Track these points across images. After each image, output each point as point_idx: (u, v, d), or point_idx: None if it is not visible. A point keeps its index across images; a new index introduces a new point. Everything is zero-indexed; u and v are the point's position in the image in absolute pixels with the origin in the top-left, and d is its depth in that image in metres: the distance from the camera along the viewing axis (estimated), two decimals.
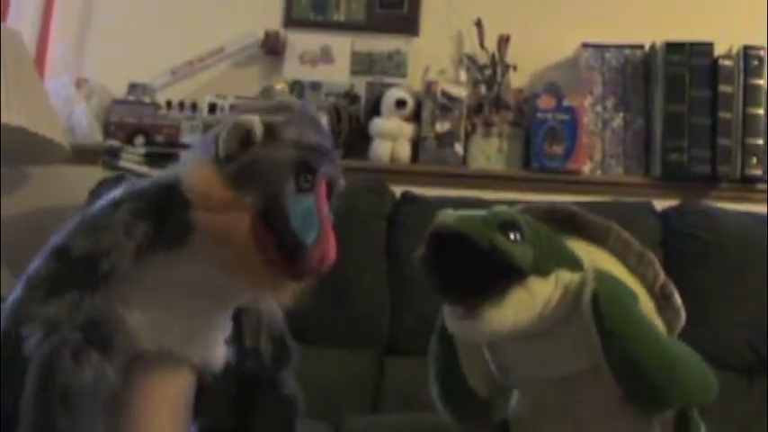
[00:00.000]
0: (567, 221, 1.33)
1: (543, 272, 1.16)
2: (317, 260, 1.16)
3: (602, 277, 1.21)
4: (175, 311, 1.23)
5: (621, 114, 2.66)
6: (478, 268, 1.12)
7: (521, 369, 1.28)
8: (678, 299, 1.35)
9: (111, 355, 1.12)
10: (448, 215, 1.16)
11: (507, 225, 1.15)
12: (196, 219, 1.17)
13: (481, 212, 1.17)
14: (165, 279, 1.23)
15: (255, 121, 1.20)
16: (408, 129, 2.66)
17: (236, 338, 1.36)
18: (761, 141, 2.54)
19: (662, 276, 1.35)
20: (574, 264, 1.20)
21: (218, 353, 1.28)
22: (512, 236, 1.14)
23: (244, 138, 1.20)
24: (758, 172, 2.53)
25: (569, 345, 1.21)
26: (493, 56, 2.70)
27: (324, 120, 1.35)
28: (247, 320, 1.37)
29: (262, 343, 1.37)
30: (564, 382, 1.26)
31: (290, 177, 1.18)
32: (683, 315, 1.35)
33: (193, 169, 1.21)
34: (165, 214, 1.19)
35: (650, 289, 1.32)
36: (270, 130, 1.21)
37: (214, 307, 1.27)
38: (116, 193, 1.23)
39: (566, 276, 1.18)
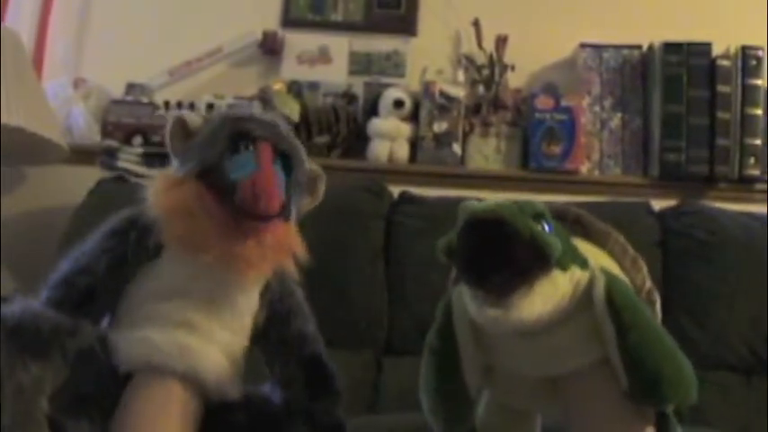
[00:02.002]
0: (572, 222, 1.34)
1: (564, 266, 1.16)
2: (249, 189, 1.19)
3: (610, 275, 1.22)
4: (154, 322, 1.24)
5: (619, 114, 2.66)
6: (507, 257, 1.11)
7: (515, 367, 1.28)
8: (659, 306, 1.36)
9: (43, 356, 1.15)
10: (481, 203, 1.15)
11: (539, 216, 1.16)
12: (154, 211, 1.24)
13: (510, 203, 1.16)
14: (146, 291, 1.26)
15: (190, 114, 1.31)
16: (406, 129, 2.66)
17: (270, 369, 1.37)
18: (759, 141, 2.54)
19: (648, 283, 1.37)
20: (582, 262, 1.21)
21: (212, 366, 1.26)
22: (543, 227, 1.15)
23: (183, 132, 1.30)
24: (756, 172, 2.53)
25: (569, 342, 1.21)
26: (491, 56, 2.70)
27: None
28: (275, 350, 1.37)
29: (291, 372, 1.37)
30: (557, 381, 1.27)
31: (225, 141, 1.25)
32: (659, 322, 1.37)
33: (153, 178, 1.30)
34: (135, 228, 1.27)
35: (638, 293, 1.33)
36: (205, 121, 1.31)
37: (199, 315, 1.27)
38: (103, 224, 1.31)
39: (577, 273, 1.18)
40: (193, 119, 1.30)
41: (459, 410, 1.30)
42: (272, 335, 1.37)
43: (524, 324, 1.14)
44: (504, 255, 1.11)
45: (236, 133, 1.26)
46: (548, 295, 1.15)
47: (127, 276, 1.27)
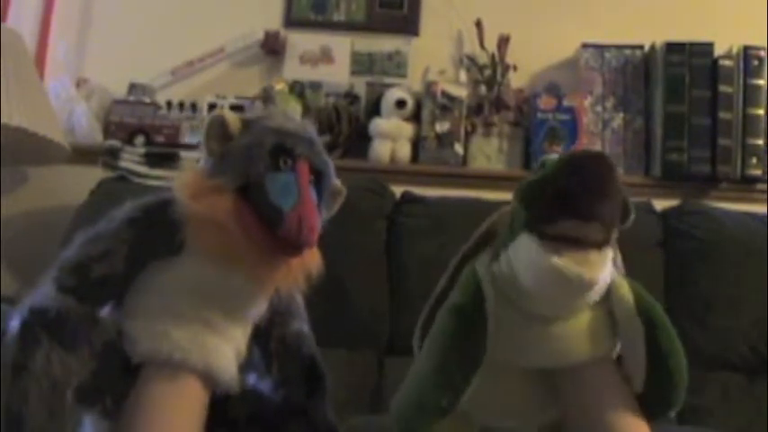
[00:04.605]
0: None
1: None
2: (295, 223, 1.19)
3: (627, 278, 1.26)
4: (174, 318, 1.24)
5: (621, 114, 2.66)
6: (614, 193, 1.15)
7: (520, 356, 1.28)
8: None
9: (74, 348, 1.14)
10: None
11: None
12: (184, 212, 1.21)
13: None
14: (166, 286, 1.25)
15: (230, 114, 1.28)
16: (408, 129, 2.66)
17: (266, 368, 1.37)
18: (761, 141, 2.54)
19: None
20: None
21: (227, 364, 1.27)
22: None
23: (222, 132, 1.27)
24: (758, 172, 2.53)
25: (580, 333, 1.23)
26: (493, 56, 2.70)
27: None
28: (274, 348, 1.38)
29: (290, 371, 1.38)
30: (558, 375, 1.28)
31: (266, 157, 1.24)
32: None
33: (182, 171, 1.27)
34: (157, 219, 1.24)
35: None
36: (245, 124, 1.28)
37: (218, 314, 1.27)
38: (120, 208, 1.28)
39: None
40: (233, 120, 1.28)
41: (470, 372, 1.27)
42: (273, 333, 1.38)
43: (593, 287, 1.16)
44: (611, 190, 1.14)
45: (278, 149, 1.25)
46: (606, 266, 1.18)
47: (143, 267, 1.26)
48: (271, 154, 1.24)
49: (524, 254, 1.19)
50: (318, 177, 1.30)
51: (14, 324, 1.13)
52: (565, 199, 1.13)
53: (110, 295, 1.25)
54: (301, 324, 1.42)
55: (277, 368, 1.38)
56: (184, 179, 1.25)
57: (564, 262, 1.14)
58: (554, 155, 1.23)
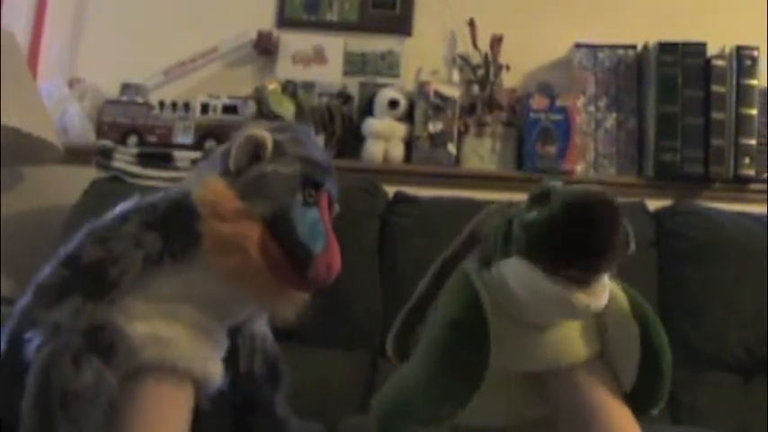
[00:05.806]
0: None
1: None
2: (324, 269, 1.21)
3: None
4: (178, 325, 1.23)
5: (614, 114, 2.66)
6: (616, 240, 1.14)
7: (514, 360, 1.28)
8: None
9: (111, 361, 1.13)
10: (573, 187, 1.18)
11: None
12: (205, 228, 1.20)
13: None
14: (170, 291, 1.24)
15: (267, 136, 1.26)
16: (401, 129, 2.66)
17: (232, 362, 1.36)
18: (753, 141, 2.54)
19: None
20: None
21: (217, 369, 1.28)
22: None
23: (254, 152, 1.25)
24: (751, 172, 2.54)
25: (572, 335, 1.23)
26: (486, 56, 2.70)
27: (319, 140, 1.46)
28: (242, 344, 1.39)
29: (256, 366, 1.40)
30: (546, 378, 1.28)
31: (298, 191, 1.24)
32: None
33: (204, 182, 1.25)
34: (173, 226, 1.22)
35: None
36: (277, 147, 1.27)
37: (215, 321, 1.28)
38: (126, 205, 1.25)
39: None
40: (268, 143, 1.26)
41: (474, 387, 1.26)
42: (242, 330, 1.39)
43: (594, 312, 1.17)
44: (616, 239, 1.14)
45: (306, 181, 1.25)
46: (607, 288, 1.18)
47: (156, 269, 1.23)
48: (301, 187, 1.25)
49: (523, 277, 1.18)
50: (329, 205, 1.32)
51: (54, 344, 1.10)
52: (571, 251, 1.13)
53: (113, 296, 1.21)
54: (264, 323, 1.43)
55: (243, 362, 1.39)
56: (210, 195, 1.22)
57: (571, 294, 1.14)
58: (558, 184, 1.20)
